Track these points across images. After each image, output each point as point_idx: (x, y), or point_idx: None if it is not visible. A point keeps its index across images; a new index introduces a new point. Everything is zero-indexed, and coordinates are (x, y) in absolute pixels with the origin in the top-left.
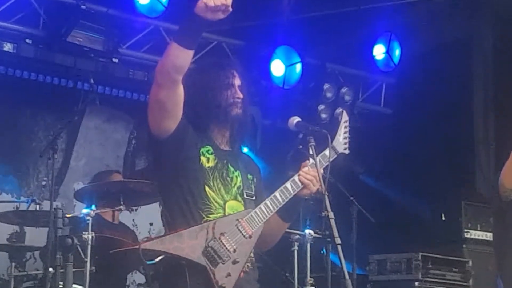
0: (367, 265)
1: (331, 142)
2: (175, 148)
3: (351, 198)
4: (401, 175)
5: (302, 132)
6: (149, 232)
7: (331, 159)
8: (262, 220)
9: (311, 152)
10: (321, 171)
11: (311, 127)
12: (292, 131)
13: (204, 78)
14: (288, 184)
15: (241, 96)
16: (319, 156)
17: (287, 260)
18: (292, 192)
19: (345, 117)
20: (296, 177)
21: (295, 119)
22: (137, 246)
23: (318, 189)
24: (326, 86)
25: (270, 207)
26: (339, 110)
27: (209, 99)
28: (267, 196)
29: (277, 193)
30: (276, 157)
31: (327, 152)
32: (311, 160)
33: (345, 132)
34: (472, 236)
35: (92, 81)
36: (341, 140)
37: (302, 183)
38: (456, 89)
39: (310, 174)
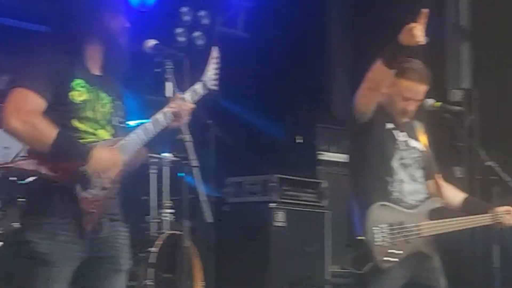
0: (224, 187)
1: (202, 77)
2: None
3: (209, 121)
4: (258, 99)
5: (159, 55)
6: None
7: (201, 94)
8: (133, 150)
9: (168, 76)
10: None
11: (168, 50)
12: (149, 55)
13: None
14: (159, 116)
15: None
16: (189, 91)
17: (144, 183)
18: (162, 124)
19: (215, 53)
20: (166, 109)
21: (152, 42)
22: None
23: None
24: (183, 9)
25: (143, 137)
26: (196, 33)
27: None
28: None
29: (148, 124)
30: (133, 81)
31: (197, 86)
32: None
33: (215, 68)
34: (327, 158)
35: None
36: (209, 76)
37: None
38: (313, 10)
39: (182, 108)
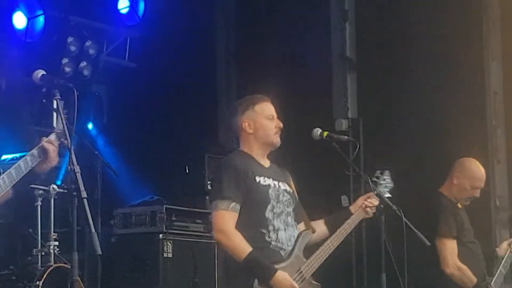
0: (112, 218)
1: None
2: None
3: (96, 152)
4: (145, 129)
5: (47, 86)
6: None
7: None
8: None
9: (55, 106)
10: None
11: (56, 80)
12: (37, 86)
13: None
14: (28, 158)
15: None
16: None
17: (30, 215)
18: (26, 169)
19: (60, 106)
20: (34, 151)
21: (40, 73)
22: None
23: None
24: (69, 39)
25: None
26: (83, 63)
27: None
28: None
29: (12, 170)
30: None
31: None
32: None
33: (64, 119)
34: (212, 187)
35: None
36: (59, 128)
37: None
38: (199, 41)
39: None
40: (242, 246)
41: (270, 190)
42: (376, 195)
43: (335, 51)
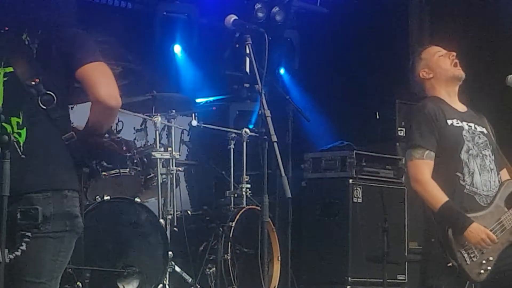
0: (302, 163)
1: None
2: None
3: (287, 97)
4: (336, 74)
5: (239, 31)
6: None
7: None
8: None
9: (247, 51)
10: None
11: (248, 25)
12: (229, 30)
13: None
14: None
15: None
16: None
17: (223, 158)
18: None
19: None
20: None
21: (232, 17)
22: None
23: None
24: None
25: None
26: (275, 9)
27: None
28: None
29: None
30: (213, 57)
31: None
32: None
33: None
34: (405, 134)
35: None
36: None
37: None
38: None
39: None
40: (437, 196)
41: (464, 132)
42: None
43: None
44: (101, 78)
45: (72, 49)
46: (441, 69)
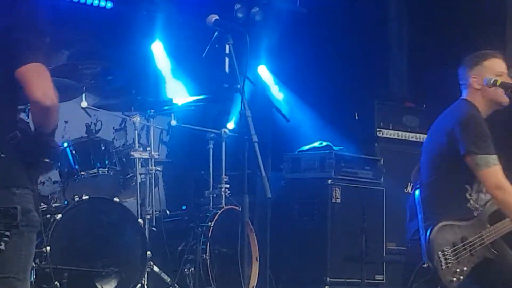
0: (281, 163)
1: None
2: None
3: (267, 97)
4: (316, 75)
5: (220, 30)
6: (64, 130)
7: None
8: None
9: (227, 51)
10: None
11: (229, 25)
12: (209, 30)
13: None
14: None
15: None
16: None
17: (203, 158)
18: None
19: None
20: None
21: (214, 17)
22: None
23: None
24: None
25: None
26: (255, 9)
27: None
28: None
29: None
30: (191, 55)
31: None
32: None
33: None
34: (384, 135)
35: None
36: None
37: None
38: None
39: None
40: None
41: None
42: None
43: None
44: (36, 79)
45: (14, 51)
46: (496, 91)
